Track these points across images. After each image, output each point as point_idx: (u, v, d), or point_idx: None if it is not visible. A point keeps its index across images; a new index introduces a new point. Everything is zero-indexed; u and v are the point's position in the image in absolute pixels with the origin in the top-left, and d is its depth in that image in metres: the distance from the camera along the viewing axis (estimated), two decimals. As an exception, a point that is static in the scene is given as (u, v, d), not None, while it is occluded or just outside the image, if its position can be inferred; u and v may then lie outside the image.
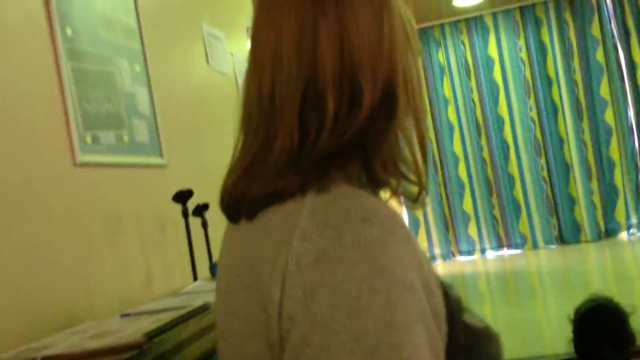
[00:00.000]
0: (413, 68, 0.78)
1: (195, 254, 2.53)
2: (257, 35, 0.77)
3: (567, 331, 2.10)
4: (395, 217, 0.68)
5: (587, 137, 7.11)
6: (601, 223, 7.03)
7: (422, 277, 0.67)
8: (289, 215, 0.68)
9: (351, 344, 0.60)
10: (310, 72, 0.72)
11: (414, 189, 0.78)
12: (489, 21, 7.34)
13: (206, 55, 3.34)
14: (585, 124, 7.12)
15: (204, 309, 1.50)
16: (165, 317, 1.43)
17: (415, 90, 0.77)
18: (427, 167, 0.79)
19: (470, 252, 7.32)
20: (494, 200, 7.28)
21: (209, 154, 3.01)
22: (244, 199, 0.73)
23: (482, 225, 7.30)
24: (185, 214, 2.47)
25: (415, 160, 0.77)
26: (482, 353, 0.78)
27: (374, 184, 0.74)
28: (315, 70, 0.72)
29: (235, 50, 3.72)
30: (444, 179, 7.39)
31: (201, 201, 2.60)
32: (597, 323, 2.01)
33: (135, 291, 2.36)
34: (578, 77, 7.14)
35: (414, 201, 0.78)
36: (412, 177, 0.77)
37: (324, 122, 0.70)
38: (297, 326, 0.63)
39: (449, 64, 7.40)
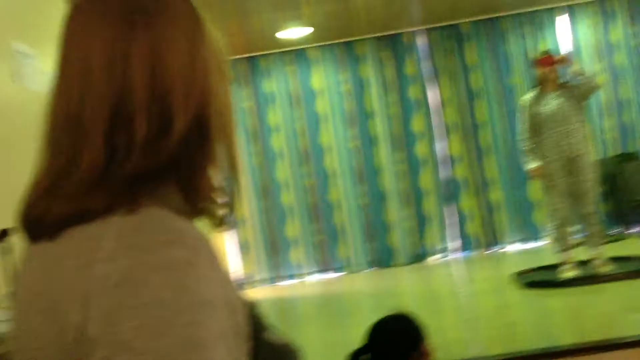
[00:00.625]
0: (225, 95, 0.79)
1: (-5, 280, 2.37)
2: (66, 53, 0.76)
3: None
4: (201, 239, 0.68)
5: (401, 167, 7.58)
6: (413, 248, 7.49)
7: (226, 296, 0.68)
8: (93, 235, 0.67)
9: None
10: (120, 92, 0.71)
11: (221, 212, 0.79)
12: (313, 54, 7.62)
13: (13, 73, 3.18)
14: (400, 155, 7.59)
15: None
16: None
17: (226, 117, 0.79)
18: (238, 191, 0.81)
19: (292, 277, 7.47)
20: (316, 225, 7.51)
21: (17, 175, 2.85)
22: (45, 217, 0.71)
23: (305, 250, 7.50)
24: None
25: (228, 184, 0.79)
26: None
27: (189, 207, 0.75)
28: (124, 91, 0.71)
29: (49, 67, 3.57)
30: (266, 206, 7.51)
31: (4, 226, 2.44)
32: (387, 337, 2.10)
33: None
34: (393, 111, 7.61)
35: (219, 224, 0.79)
36: (221, 201, 0.79)
37: (134, 142, 0.70)
38: (100, 349, 0.62)
39: (275, 93, 7.58)
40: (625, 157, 7.30)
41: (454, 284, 6.54)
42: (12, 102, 3.14)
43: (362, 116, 7.62)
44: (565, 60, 5.33)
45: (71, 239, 0.68)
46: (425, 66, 7.70)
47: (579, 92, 5.18)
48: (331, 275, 7.45)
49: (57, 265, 0.68)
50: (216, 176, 0.77)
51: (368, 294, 6.44)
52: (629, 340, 3.57)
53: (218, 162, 0.77)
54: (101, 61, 0.72)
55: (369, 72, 7.63)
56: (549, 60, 5.31)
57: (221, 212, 0.78)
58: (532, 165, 5.29)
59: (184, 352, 0.61)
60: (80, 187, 0.69)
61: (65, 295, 0.65)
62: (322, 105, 7.60)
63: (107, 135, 0.70)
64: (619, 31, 7.63)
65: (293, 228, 7.50)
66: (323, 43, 7.55)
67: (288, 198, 7.52)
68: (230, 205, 0.79)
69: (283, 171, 7.53)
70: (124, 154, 0.70)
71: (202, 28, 0.77)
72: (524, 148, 5.39)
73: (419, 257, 7.44)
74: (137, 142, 0.70)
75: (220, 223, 0.79)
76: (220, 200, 0.78)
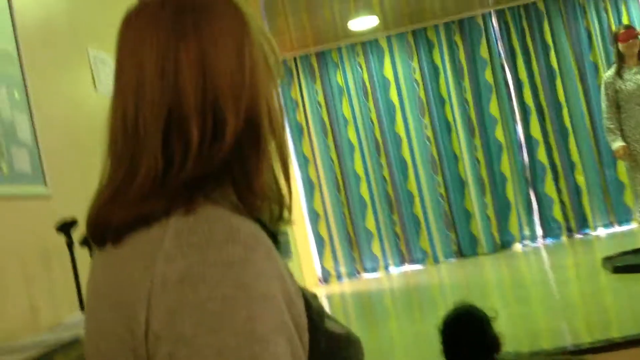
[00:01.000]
0: (275, 96, 0.81)
1: (83, 285, 2.45)
2: (121, 63, 0.78)
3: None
4: (258, 235, 0.71)
5: (479, 153, 7.41)
6: (496, 235, 7.31)
7: (284, 289, 0.70)
8: (154, 238, 0.70)
9: (214, 357, 0.63)
10: (173, 98, 0.73)
11: (277, 209, 0.81)
12: (383, 44, 7.54)
13: (93, 79, 3.26)
14: (477, 141, 7.42)
15: (71, 342, 1.45)
16: (25, 356, 1.37)
17: (277, 118, 0.80)
18: (290, 189, 0.82)
19: (374, 269, 7.43)
20: (395, 217, 7.44)
21: (97, 181, 2.93)
22: (109, 224, 0.74)
23: (385, 242, 7.44)
24: (69, 244, 2.39)
25: (277, 183, 0.81)
26: (342, 357, 0.81)
27: (244, 206, 0.76)
28: (177, 97, 0.73)
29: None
30: (346, 198, 7.49)
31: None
32: (461, 330, 2.09)
33: (15, 326, 2.26)
34: (469, 96, 7.44)
35: (277, 221, 0.81)
36: (276, 199, 0.81)
37: (189, 148, 0.72)
38: (163, 345, 0.65)
39: (347, 85, 7.55)
40: None
41: (540, 271, 6.35)
42: (94, 108, 3.23)
43: (437, 103, 7.49)
44: None
45: (135, 242, 0.72)
46: (500, 48, 7.49)
47: None
48: (413, 267, 7.37)
49: (123, 267, 0.72)
50: (269, 175, 0.79)
51: (452, 284, 6.33)
52: None
53: (270, 162, 0.79)
54: (153, 69, 0.74)
55: (442, 58, 7.49)
56: (630, 34, 5.07)
57: (277, 209, 0.80)
58: (616, 144, 5.06)
59: (243, 347, 0.64)
60: (140, 193, 0.72)
61: (132, 295, 0.68)
62: (395, 95, 7.51)
63: (164, 142, 0.73)
64: None
65: (372, 220, 7.45)
66: (393, 32, 7.47)
67: (366, 190, 7.47)
68: (285, 202, 0.81)
69: (359, 163, 7.48)
70: (180, 160, 0.72)
71: (248, 27, 0.78)
72: (607, 126, 5.16)
73: (503, 245, 7.27)
74: (193, 147, 0.72)
75: (277, 220, 0.81)
76: (274, 197, 0.80)
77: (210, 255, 0.67)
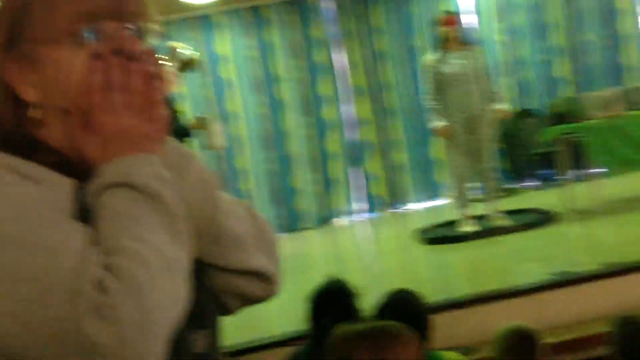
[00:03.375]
0: None
1: None
2: None
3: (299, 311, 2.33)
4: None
5: (309, 131, 7.64)
6: (322, 211, 7.59)
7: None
8: None
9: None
10: None
11: None
12: (220, 19, 7.52)
13: None
14: (307, 120, 7.65)
15: None
16: None
17: None
18: None
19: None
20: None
21: None
22: None
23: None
24: None
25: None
26: None
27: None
28: None
29: None
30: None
31: None
32: (328, 302, 2.25)
33: None
34: (300, 75, 7.63)
35: None
36: None
37: None
38: None
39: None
40: (523, 114, 7.60)
41: (359, 244, 6.71)
42: None
43: (269, 81, 7.62)
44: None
45: None
46: (332, 30, 7.73)
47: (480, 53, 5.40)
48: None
49: None
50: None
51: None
52: (522, 289, 3.79)
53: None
54: None
55: (275, 36, 7.61)
56: (452, 19, 5.42)
57: None
58: (437, 124, 5.38)
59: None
60: None
61: None
62: (227, 72, 7.54)
63: None
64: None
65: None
66: (230, 7, 7.46)
67: (198, 166, 7.44)
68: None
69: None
70: None
71: None
72: (429, 107, 5.48)
73: (325, 219, 7.56)
74: None
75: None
76: None
77: None
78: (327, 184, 7.64)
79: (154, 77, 0.80)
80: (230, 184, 7.49)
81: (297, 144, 7.62)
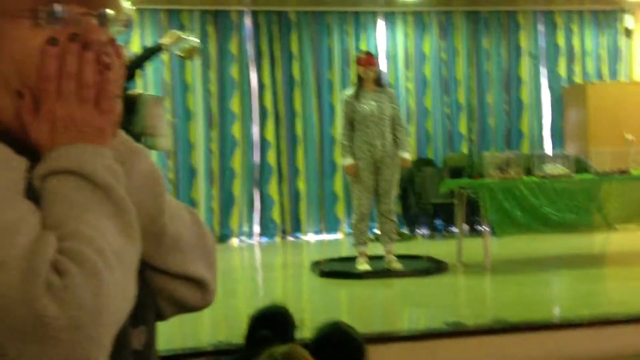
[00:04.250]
0: None
1: None
2: None
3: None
4: None
5: (214, 145, 7.54)
6: (216, 228, 7.49)
7: None
8: None
9: None
10: None
11: None
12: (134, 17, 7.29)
13: None
14: (215, 133, 7.54)
15: None
16: None
17: None
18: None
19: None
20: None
21: None
22: None
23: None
24: None
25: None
26: None
27: None
28: None
29: None
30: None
31: None
32: (265, 324, 2.34)
33: None
34: (212, 87, 7.53)
35: None
36: None
37: None
38: None
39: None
40: (422, 163, 7.88)
41: (252, 267, 6.65)
42: None
43: (181, 90, 7.46)
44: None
45: None
46: (249, 48, 7.70)
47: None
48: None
49: None
50: None
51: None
52: (404, 334, 3.88)
53: None
54: None
55: (192, 44, 7.46)
56: (370, 60, 5.54)
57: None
58: (347, 161, 5.44)
59: None
60: None
61: None
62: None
63: None
64: (429, 43, 8.18)
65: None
66: (146, 6, 7.26)
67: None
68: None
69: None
70: None
71: None
72: (342, 143, 5.53)
73: (221, 238, 7.45)
74: None
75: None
76: None
77: None
78: (227, 202, 7.54)
79: (108, 68, 0.77)
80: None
81: (202, 157, 7.50)
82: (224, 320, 4.01)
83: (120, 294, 0.69)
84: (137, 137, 4.54)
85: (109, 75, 0.77)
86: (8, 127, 0.78)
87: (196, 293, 0.91)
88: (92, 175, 0.73)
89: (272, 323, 2.36)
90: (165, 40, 4.56)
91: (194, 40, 4.78)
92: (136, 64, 4.32)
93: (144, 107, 4.48)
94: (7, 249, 0.66)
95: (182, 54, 4.77)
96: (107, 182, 0.73)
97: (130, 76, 4.26)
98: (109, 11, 0.81)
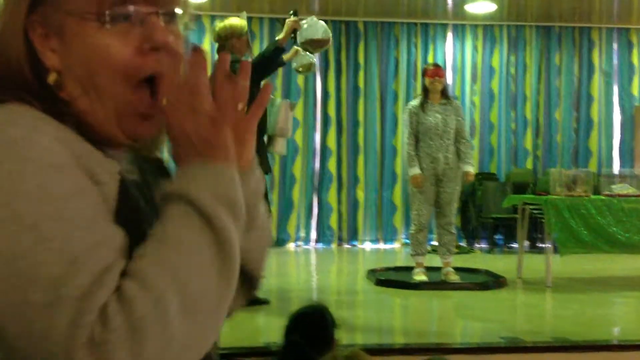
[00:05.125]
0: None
1: None
2: None
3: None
4: (43, 121, 0.72)
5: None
6: (274, 232, 7.54)
7: (79, 164, 0.71)
8: None
9: (10, 224, 0.63)
10: None
11: None
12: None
13: None
14: (276, 140, 7.61)
15: None
16: None
17: None
18: None
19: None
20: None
21: None
22: None
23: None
24: None
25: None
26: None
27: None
28: None
29: None
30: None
31: None
32: (304, 324, 2.32)
33: None
34: (277, 96, 7.60)
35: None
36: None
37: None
38: None
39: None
40: (485, 177, 7.75)
41: (307, 271, 6.65)
42: None
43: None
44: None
45: None
46: (316, 56, 7.73)
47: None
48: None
49: None
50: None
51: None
52: (458, 347, 3.80)
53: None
54: None
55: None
56: (437, 72, 5.50)
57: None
58: (415, 171, 5.35)
59: (38, 210, 0.64)
60: None
61: None
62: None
63: None
64: (498, 57, 8.07)
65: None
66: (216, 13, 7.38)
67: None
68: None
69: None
70: None
71: None
72: (409, 153, 5.47)
73: (279, 242, 7.49)
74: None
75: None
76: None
77: None
78: (284, 207, 7.59)
79: (232, 79, 0.75)
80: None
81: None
82: (277, 322, 4.02)
83: (176, 349, 0.64)
84: (270, 140, 4.66)
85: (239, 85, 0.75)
86: (87, 122, 0.78)
87: (247, 291, 0.91)
88: (199, 203, 0.68)
89: (311, 322, 2.35)
90: (285, 55, 4.54)
91: (310, 56, 4.82)
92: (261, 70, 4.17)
93: (277, 110, 4.56)
94: (65, 288, 0.62)
95: (300, 69, 4.85)
96: (213, 214, 0.69)
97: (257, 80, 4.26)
98: (176, 9, 0.80)
